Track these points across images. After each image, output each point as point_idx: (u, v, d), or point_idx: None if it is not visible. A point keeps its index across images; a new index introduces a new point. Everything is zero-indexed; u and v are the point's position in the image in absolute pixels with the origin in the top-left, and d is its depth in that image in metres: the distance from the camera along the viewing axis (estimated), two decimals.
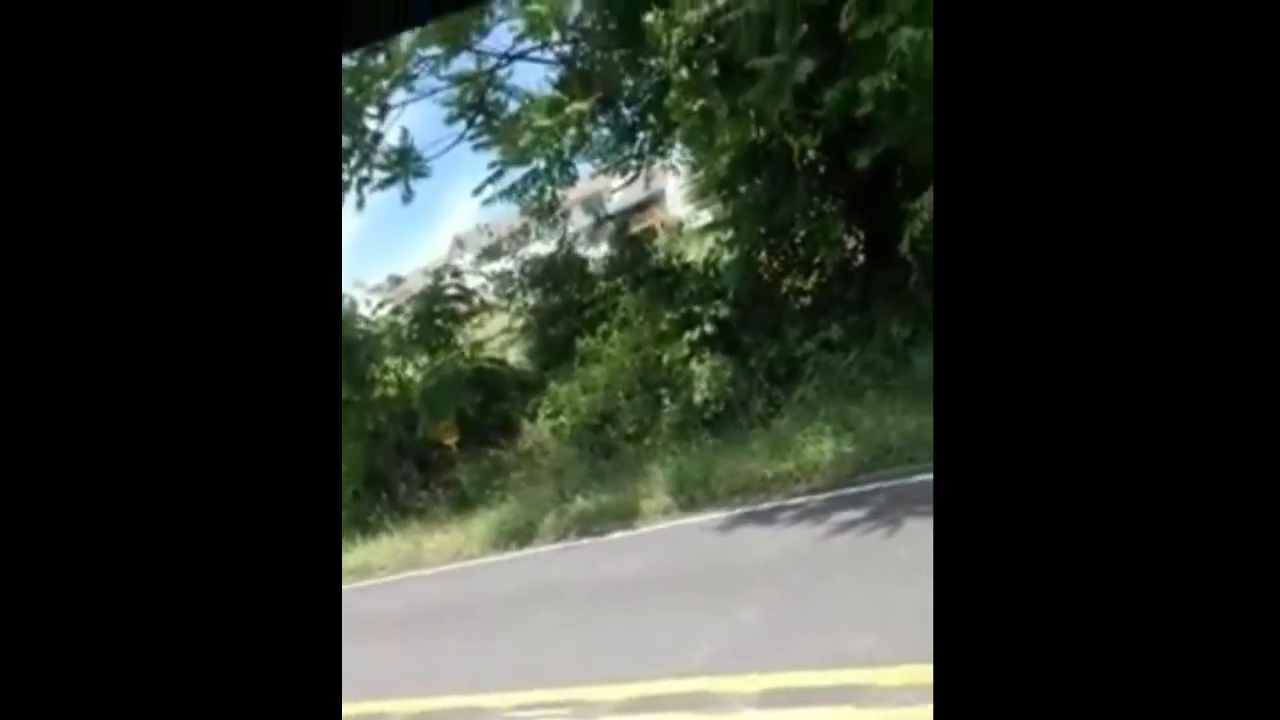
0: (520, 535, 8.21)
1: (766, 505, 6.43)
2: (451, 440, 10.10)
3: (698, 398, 8.33)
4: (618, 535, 7.28)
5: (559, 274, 10.53)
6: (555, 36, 9.18)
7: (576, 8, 8.96)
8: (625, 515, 7.53)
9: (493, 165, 9.61)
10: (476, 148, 9.81)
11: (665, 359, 8.71)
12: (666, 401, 8.66)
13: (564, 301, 10.33)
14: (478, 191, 9.59)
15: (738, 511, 6.54)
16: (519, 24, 9.10)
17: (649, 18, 7.75)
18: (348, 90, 9.43)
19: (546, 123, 8.91)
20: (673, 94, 7.96)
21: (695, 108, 7.93)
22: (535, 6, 8.74)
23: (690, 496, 7.20)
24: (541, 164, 9.30)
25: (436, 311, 10.89)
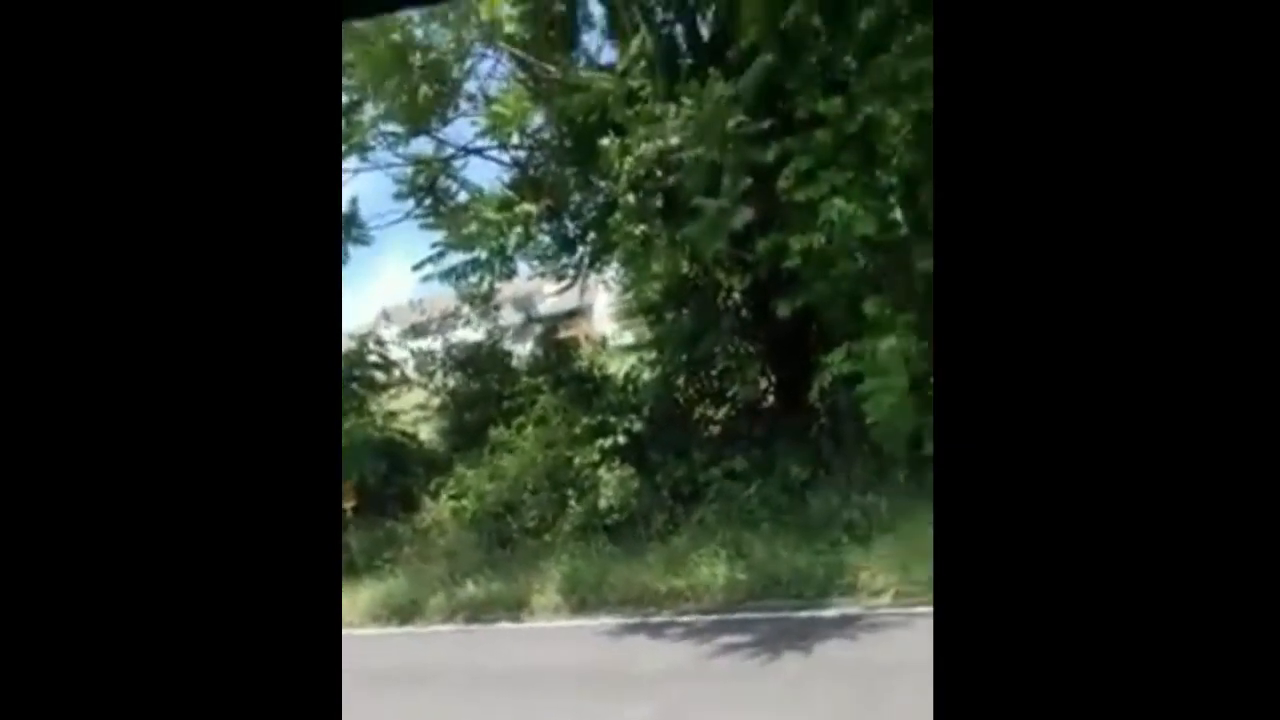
0: (404, 612, 8.27)
1: (656, 619, 6.68)
2: (348, 505, 10.13)
3: (602, 503, 8.58)
4: (505, 625, 7.41)
5: (483, 362, 10.75)
6: (514, 140, 9.53)
7: (538, 119, 9.34)
8: (515, 607, 7.68)
9: (435, 246, 9.82)
10: (423, 226, 10.03)
11: (576, 461, 8.96)
12: (571, 502, 8.88)
13: (484, 389, 10.54)
14: (418, 267, 9.79)
15: (628, 620, 6.76)
16: (482, 121, 9.44)
17: (605, 142, 8.15)
18: None
19: (494, 217, 9.21)
20: (617, 216, 8.35)
21: (636, 232, 8.32)
22: (500, 108, 9.09)
23: (582, 598, 7.41)
24: (484, 254, 9.55)
25: (355, 376, 10.98)
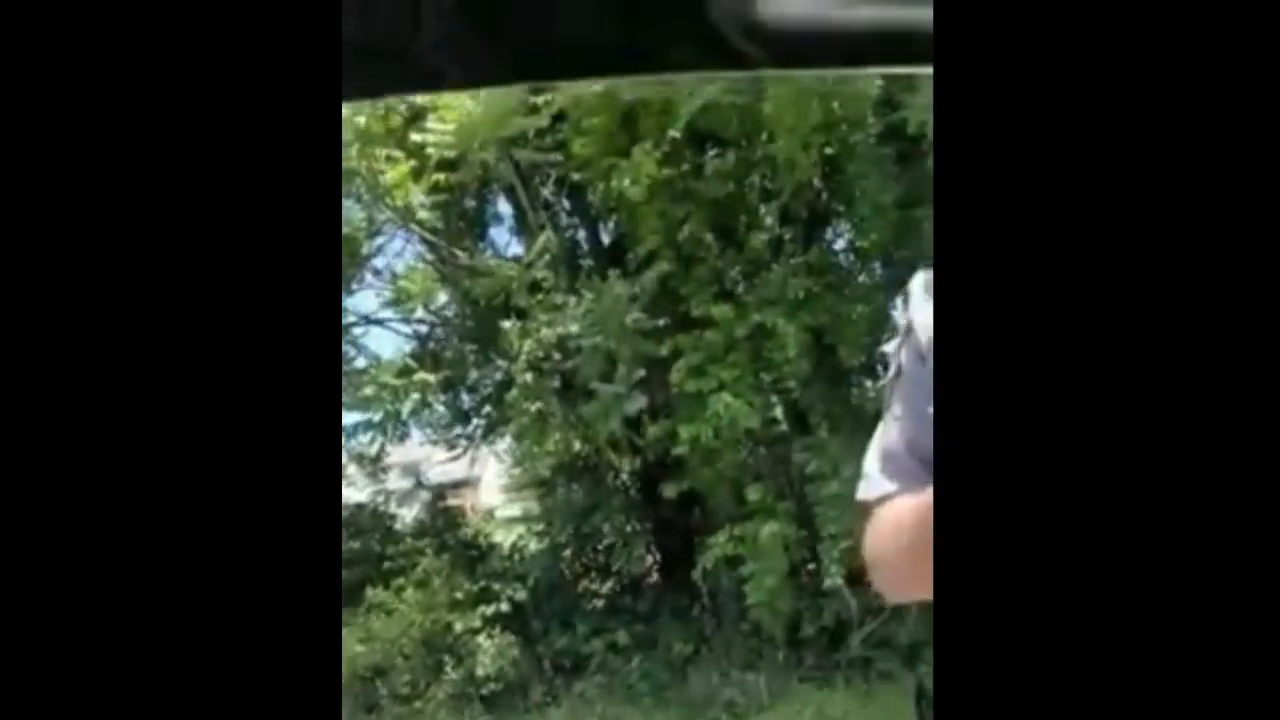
0: None
1: None
2: None
3: (480, 671, 8.59)
4: None
5: (365, 522, 10.73)
6: (418, 314, 9.85)
7: (443, 298, 9.71)
8: None
9: None
10: None
11: (456, 627, 8.98)
12: (448, 669, 8.85)
13: (363, 549, 10.48)
14: None
15: None
16: (387, 293, 9.73)
17: (506, 324, 8.55)
18: None
19: (392, 382, 9.39)
20: (514, 393, 8.67)
21: (532, 410, 8.65)
22: (406, 284, 9.43)
23: None
24: (377, 417, 9.67)
25: None
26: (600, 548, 9.24)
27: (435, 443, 10.52)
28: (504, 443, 10.07)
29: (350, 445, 9.93)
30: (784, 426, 7.15)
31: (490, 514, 11.44)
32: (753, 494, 7.23)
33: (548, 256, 8.37)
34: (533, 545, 9.51)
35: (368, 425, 9.67)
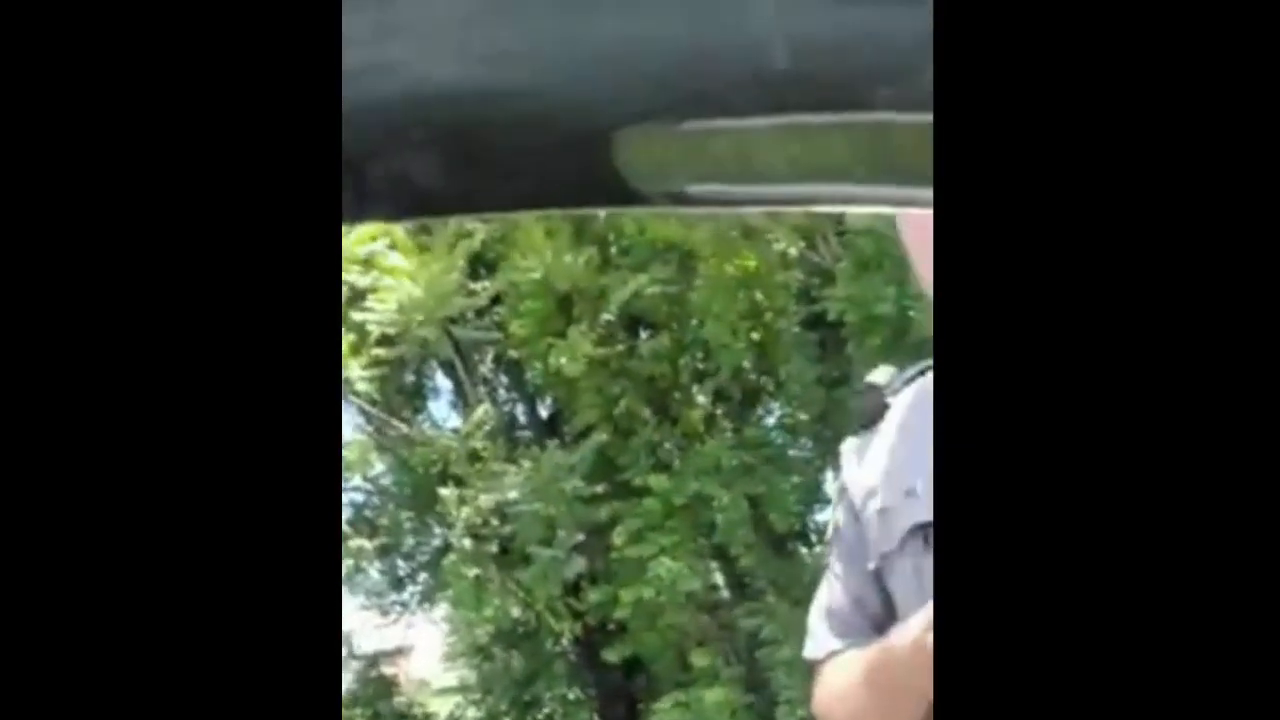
0: None
1: None
2: None
3: None
4: None
5: None
6: (355, 482, 9.79)
7: (380, 466, 9.70)
8: None
9: None
10: None
11: None
12: None
13: None
14: None
15: None
16: None
17: (445, 491, 8.56)
18: None
19: None
20: (451, 558, 8.62)
21: (470, 575, 8.60)
22: (346, 453, 9.39)
23: None
24: None
25: None
26: (541, 716, 9.08)
27: (369, 609, 10.31)
28: (440, 610, 9.93)
29: None
30: (725, 592, 7.29)
31: (425, 683, 11.14)
32: (698, 659, 7.30)
33: (486, 428, 8.49)
34: (470, 714, 9.30)
35: None
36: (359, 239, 8.25)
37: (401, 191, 0.54)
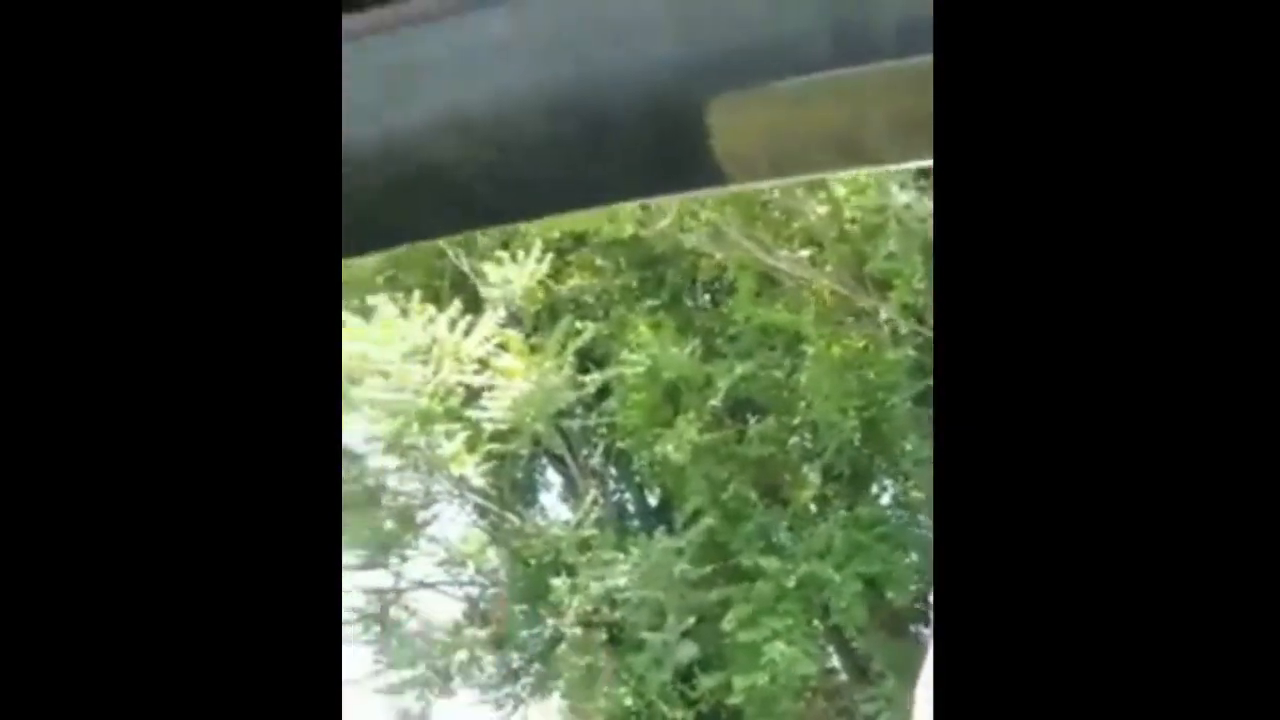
0: None
1: None
2: None
3: None
4: None
5: None
6: (468, 576, 9.53)
7: (494, 559, 9.43)
8: None
9: (377, 661, 9.39)
10: (367, 643, 9.62)
11: None
12: None
13: None
14: (355, 683, 9.24)
15: None
16: (440, 554, 9.44)
17: (556, 581, 8.25)
18: None
19: (441, 639, 8.97)
20: (563, 647, 8.26)
21: (581, 664, 8.21)
22: (460, 546, 9.18)
23: None
24: (423, 672, 9.17)
25: None
26: None
27: (485, 702, 9.92)
28: (553, 699, 9.52)
29: (395, 703, 9.34)
30: (843, 675, 6.74)
31: None
32: None
33: (596, 517, 8.21)
34: None
35: (415, 682, 9.15)
36: (476, 341, 8.26)
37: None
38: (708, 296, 8.33)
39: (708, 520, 7.45)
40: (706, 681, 7.39)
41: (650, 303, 7.89)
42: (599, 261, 8.27)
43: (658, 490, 8.73)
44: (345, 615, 9.75)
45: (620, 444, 8.14)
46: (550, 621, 8.94)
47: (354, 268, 9.24)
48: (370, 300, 7.94)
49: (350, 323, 7.88)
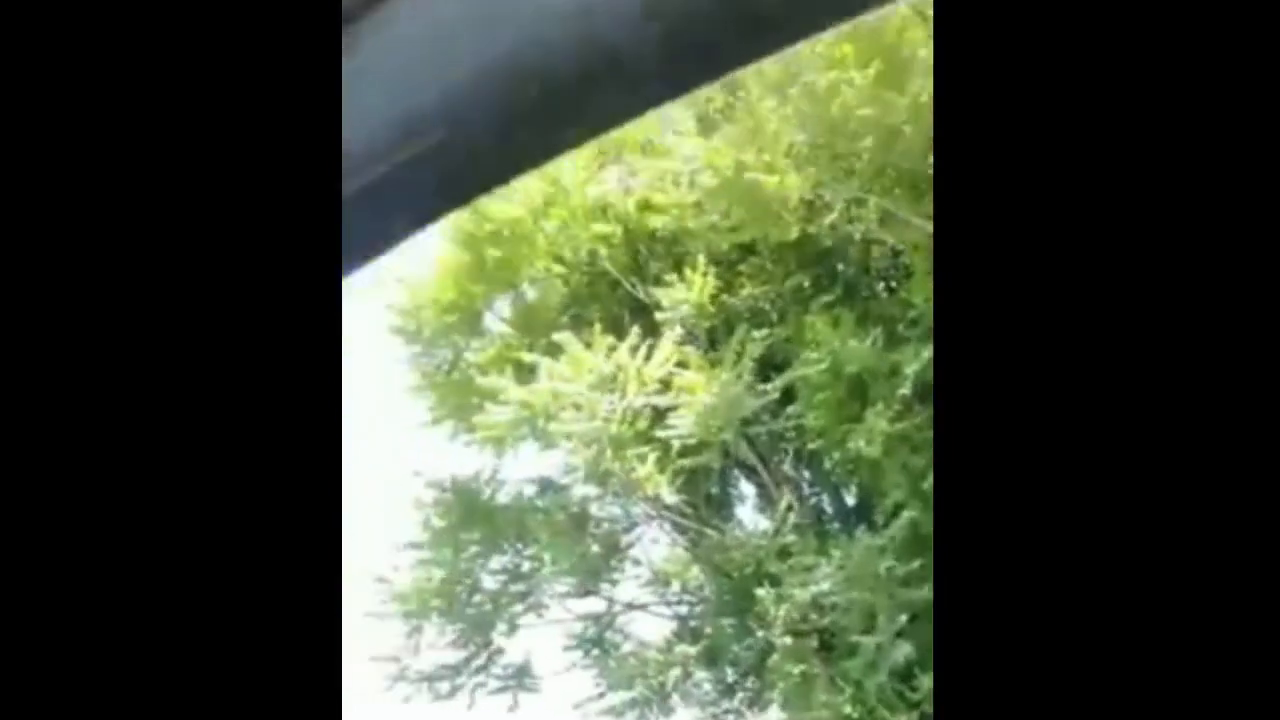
0: None
1: None
2: None
3: None
4: None
5: None
6: (674, 594, 9.50)
7: (697, 575, 9.38)
8: None
9: (597, 685, 9.46)
10: (585, 668, 9.73)
11: None
12: None
13: None
14: (579, 706, 9.34)
15: None
16: (644, 572, 9.47)
17: (761, 592, 8.08)
18: (485, 607, 9.49)
19: (654, 658, 8.94)
20: (775, 658, 8.05)
21: (795, 672, 7.97)
22: (664, 566, 9.18)
23: None
24: (642, 692, 9.15)
25: None
26: None
27: (703, 719, 9.82)
28: (771, 712, 9.31)
29: None
30: None
31: None
32: None
33: (794, 523, 8.03)
34: None
35: (634, 702, 9.16)
36: (657, 363, 8.34)
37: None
38: (883, 284, 8.08)
39: (909, 513, 7.13)
40: (927, 681, 7.00)
41: (825, 299, 7.73)
42: (769, 267, 8.20)
43: (854, 488, 8.45)
44: (564, 641, 9.98)
45: (810, 445, 7.95)
46: (759, 633, 8.77)
47: (538, 309, 9.60)
48: (555, 337, 8.21)
49: (540, 362, 8.17)
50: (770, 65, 7.01)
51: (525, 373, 8.25)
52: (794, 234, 7.53)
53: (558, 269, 8.95)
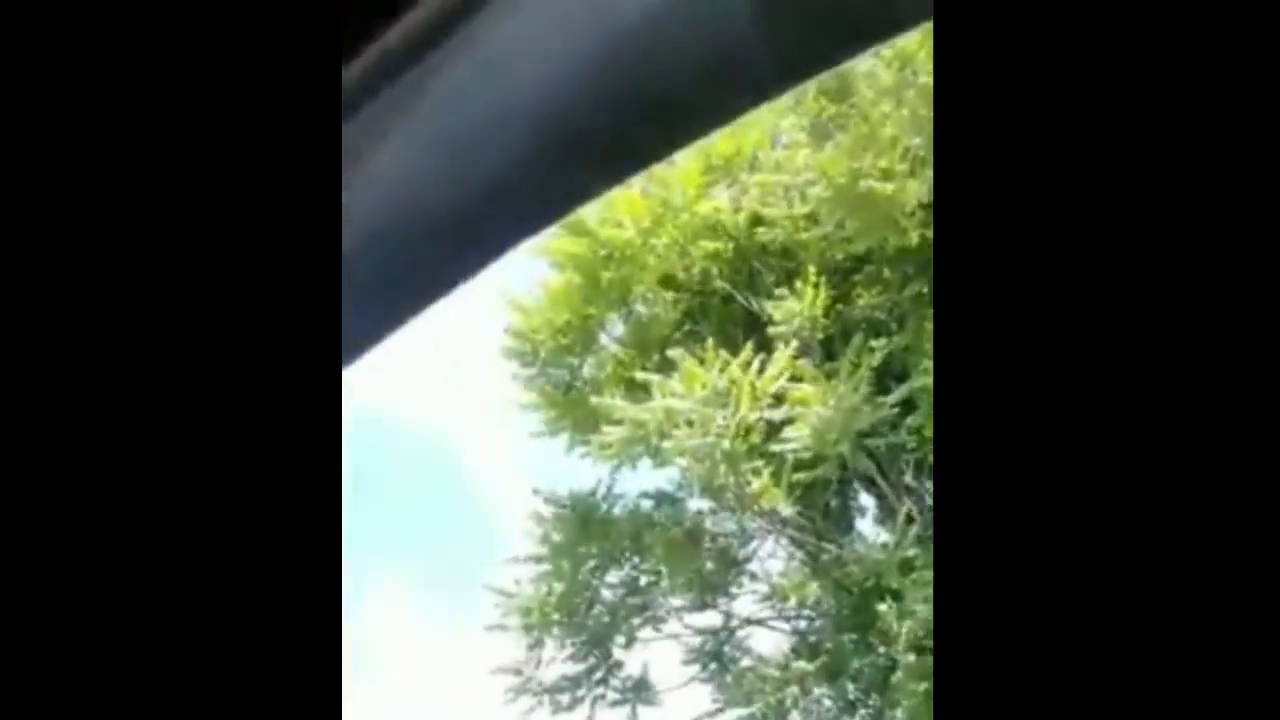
0: None
1: None
2: None
3: None
4: None
5: None
6: (793, 610, 9.28)
7: (815, 589, 9.13)
8: None
9: (715, 700, 9.31)
10: (704, 682, 9.59)
11: None
12: None
13: None
14: None
15: None
16: (762, 587, 9.28)
17: (882, 607, 7.79)
18: (604, 620, 9.46)
19: (772, 674, 8.73)
20: (898, 676, 7.74)
21: (920, 690, 7.65)
22: (780, 581, 8.99)
23: None
24: (760, 710, 8.94)
25: None
26: None
27: None
28: None
29: None
30: None
31: None
32: None
33: (915, 535, 7.71)
34: None
35: (750, 719, 8.95)
36: (770, 377, 8.17)
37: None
38: None
39: None
40: None
41: None
42: (886, 275, 7.94)
43: None
44: (682, 655, 9.86)
45: (931, 457, 7.61)
46: (881, 649, 8.45)
47: (651, 326, 9.59)
48: (669, 354, 8.15)
49: (653, 380, 8.13)
50: (883, 69, 6.81)
51: (639, 391, 8.22)
52: (913, 240, 7.27)
53: (669, 287, 8.91)
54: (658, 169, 8.69)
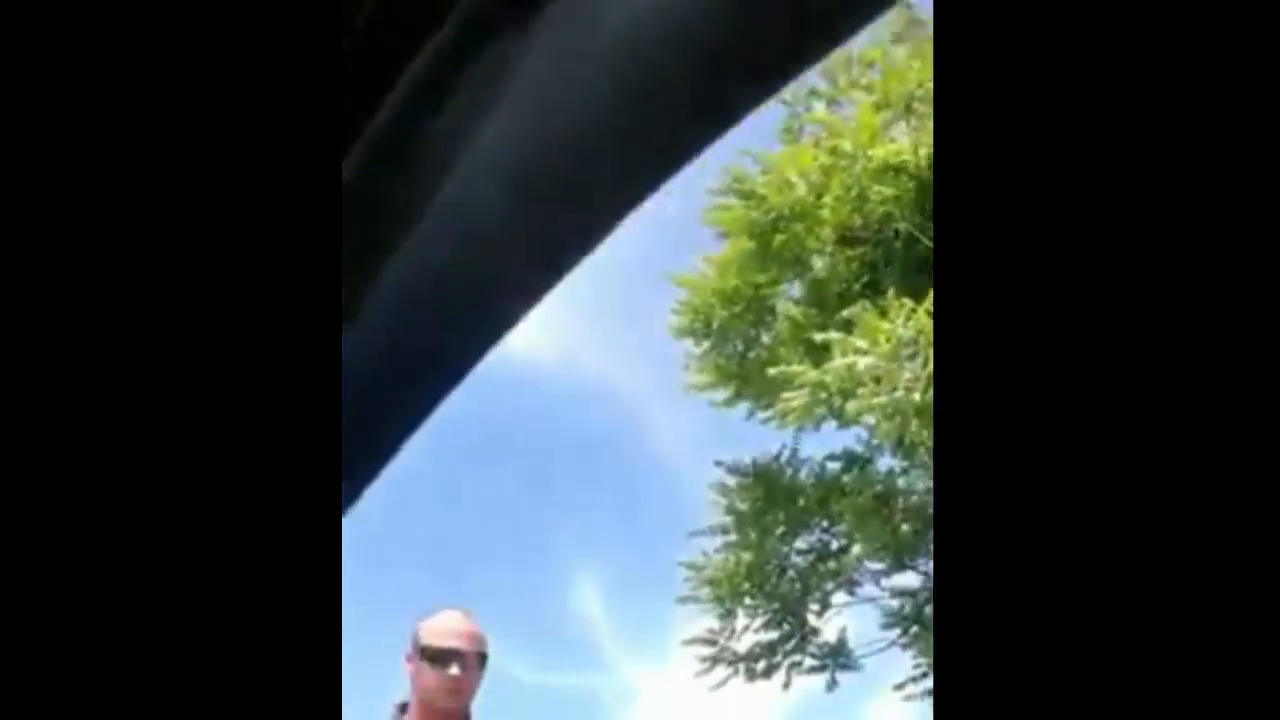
0: None
1: None
2: None
3: None
4: None
5: None
6: None
7: None
8: None
9: (918, 666, 8.72)
10: (905, 648, 9.01)
11: None
12: None
13: None
14: (899, 687, 8.69)
15: None
16: None
17: None
18: (796, 586, 9.09)
19: None
20: None
21: None
22: None
23: None
24: None
25: None
26: None
27: None
28: None
29: None
30: None
31: None
32: None
33: None
34: None
35: None
36: None
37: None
38: None
39: None
40: None
41: None
42: None
43: None
44: (880, 619, 9.32)
45: None
46: None
47: (828, 282, 8.87)
48: (847, 312, 7.50)
49: (833, 338, 7.49)
50: None
51: (819, 352, 7.62)
52: None
53: (846, 241, 8.19)
54: (826, 116, 7.95)
